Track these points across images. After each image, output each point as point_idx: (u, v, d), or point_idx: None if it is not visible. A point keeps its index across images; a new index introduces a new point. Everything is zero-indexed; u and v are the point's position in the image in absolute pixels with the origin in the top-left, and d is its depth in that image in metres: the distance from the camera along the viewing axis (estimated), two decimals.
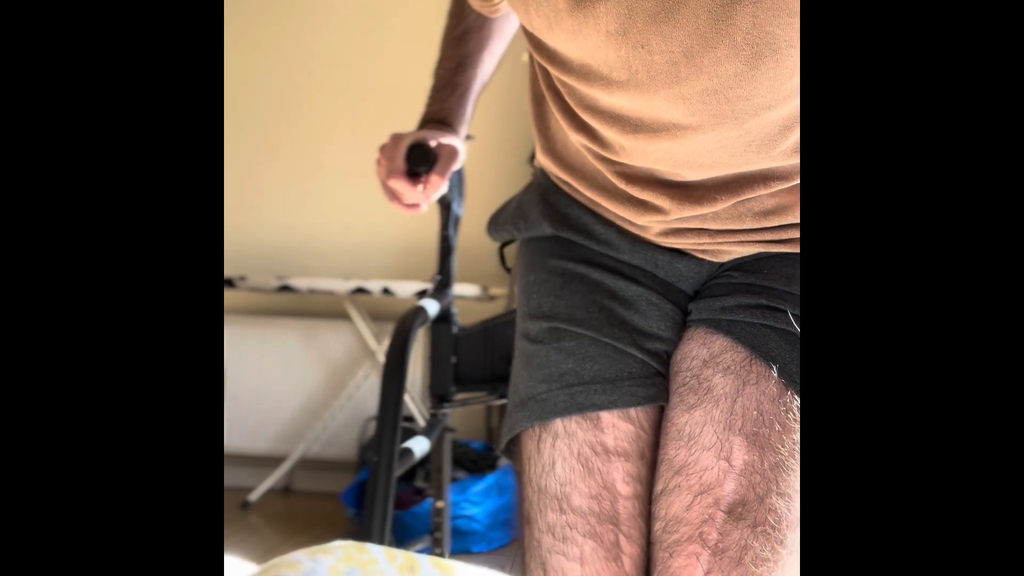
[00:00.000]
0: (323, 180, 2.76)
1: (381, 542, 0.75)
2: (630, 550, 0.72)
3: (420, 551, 1.62)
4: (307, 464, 2.74)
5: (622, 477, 0.73)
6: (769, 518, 0.69)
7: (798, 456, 0.70)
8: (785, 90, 0.63)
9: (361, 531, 0.77)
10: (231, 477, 2.61)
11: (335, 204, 2.76)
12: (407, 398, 2.51)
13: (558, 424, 0.76)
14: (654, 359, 0.78)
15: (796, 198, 0.75)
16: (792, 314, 0.74)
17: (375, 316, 2.66)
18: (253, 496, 2.56)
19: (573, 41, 0.67)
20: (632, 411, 0.75)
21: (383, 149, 0.92)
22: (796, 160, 0.71)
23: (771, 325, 0.74)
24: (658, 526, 0.72)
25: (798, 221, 0.76)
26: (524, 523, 0.78)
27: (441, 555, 1.26)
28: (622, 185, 0.77)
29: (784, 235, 0.77)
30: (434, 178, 0.91)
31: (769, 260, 0.78)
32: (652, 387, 0.76)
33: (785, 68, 0.62)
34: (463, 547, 2.17)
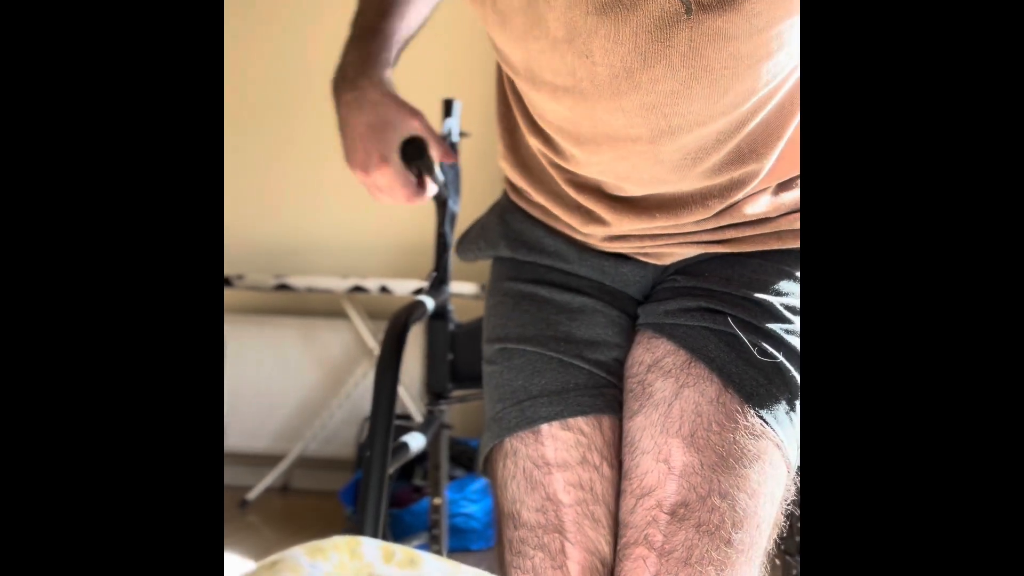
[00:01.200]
0: (320, 178, 2.76)
1: (375, 536, 0.75)
2: (577, 556, 0.73)
3: (417, 549, 1.61)
4: (305, 463, 2.74)
5: (563, 487, 0.74)
6: (712, 518, 0.69)
7: (741, 455, 0.71)
8: (719, 108, 0.66)
9: (356, 527, 0.78)
10: (229, 476, 2.61)
11: (332, 202, 2.76)
12: (405, 396, 2.52)
13: (507, 443, 0.78)
14: (602, 368, 0.79)
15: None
16: (731, 316, 0.76)
17: (373, 315, 2.66)
18: (251, 495, 2.56)
19: (523, 42, 0.69)
20: (571, 420, 0.76)
21: (368, 166, 0.85)
22: (733, 176, 0.73)
23: (710, 327, 0.76)
24: (617, 530, 0.74)
25: (736, 222, 0.78)
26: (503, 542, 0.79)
27: (439, 552, 1.26)
28: (572, 192, 0.79)
29: (724, 235, 0.79)
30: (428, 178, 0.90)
31: (709, 262, 0.80)
32: (599, 397, 0.78)
33: (718, 88, 0.64)
34: (462, 545, 2.17)
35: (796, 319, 0.77)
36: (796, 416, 0.75)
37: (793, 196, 0.77)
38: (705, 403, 0.73)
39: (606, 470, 0.76)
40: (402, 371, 0.98)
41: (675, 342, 0.76)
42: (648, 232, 0.79)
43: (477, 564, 0.71)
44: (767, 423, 0.73)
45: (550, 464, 0.75)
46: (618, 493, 0.75)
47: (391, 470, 0.82)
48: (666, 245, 0.80)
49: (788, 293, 0.78)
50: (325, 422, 2.67)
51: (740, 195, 0.75)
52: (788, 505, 0.75)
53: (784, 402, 0.75)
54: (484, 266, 0.93)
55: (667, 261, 0.82)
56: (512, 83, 0.79)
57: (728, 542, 0.69)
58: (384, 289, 2.47)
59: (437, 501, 1.25)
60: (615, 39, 0.64)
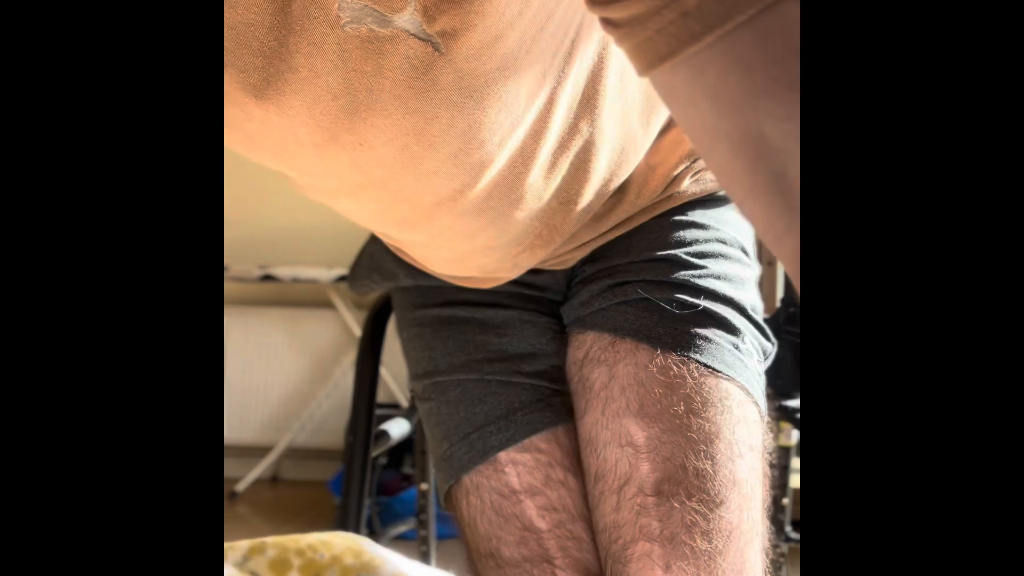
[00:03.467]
0: None
1: (358, 520, 0.75)
2: None
3: (405, 534, 1.61)
4: (294, 453, 2.74)
5: (537, 513, 0.71)
6: (696, 483, 0.65)
7: (698, 408, 0.68)
8: (507, 121, 0.60)
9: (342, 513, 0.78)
10: None
11: None
12: (391, 382, 2.52)
13: (465, 480, 0.73)
14: (544, 379, 0.75)
15: (605, 206, 0.72)
16: (637, 283, 0.72)
17: (359, 304, 2.66)
18: (240, 486, 2.56)
19: (285, 159, 0.63)
20: (525, 441, 0.72)
21: None
22: (564, 198, 0.69)
23: (622, 301, 0.72)
24: (602, 539, 0.69)
25: (622, 217, 0.74)
26: None
27: (426, 538, 1.26)
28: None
29: (615, 233, 0.75)
30: None
31: (609, 245, 0.76)
32: (547, 409, 0.74)
33: (511, 97, 0.59)
34: (451, 532, 2.17)
35: (708, 261, 0.74)
36: (747, 354, 0.72)
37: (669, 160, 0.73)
38: (641, 372, 0.69)
39: (572, 482, 0.72)
40: (387, 358, 0.98)
41: (596, 329, 0.73)
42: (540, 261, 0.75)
43: (465, 551, 0.71)
44: (709, 366, 0.69)
45: (517, 492, 0.71)
46: (587, 498, 0.72)
47: (375, 454, 0.82)
48: (564, 254, 0.76)
49: (692, 241, 0.75)
50: (313, 412, 2.67)
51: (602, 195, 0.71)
52: (770, 455, 0.72)
53: (725, 343, 0.71)
54: None
55: (571, 264, 0.78)
56: None
57: (721, 503, 0.66)
58: None
59: (424, 487, 1.25)
60: (380, 112, 0.56)
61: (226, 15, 0.52)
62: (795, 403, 1.20)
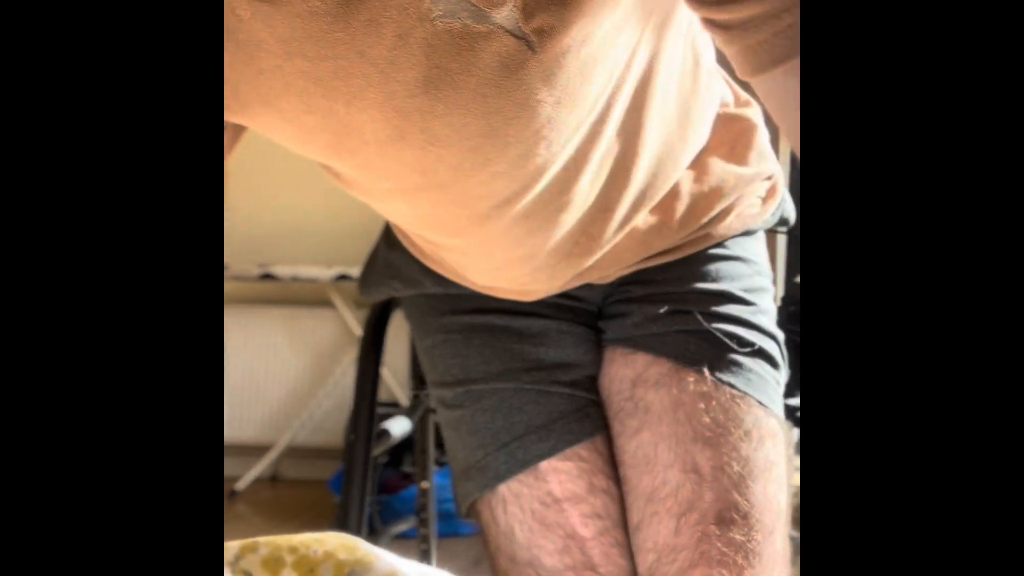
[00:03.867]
0: (304, 166, 2.75)
1: (360, 519, 0.75)
2: None
3: (406, 532, 1.61)
4: (294, 452, 2.74)
5: (580, 521, 0.71)
6: (752, 512, 0.68)
7: (754, 444, 0.71)
8: (572, 123, 0.60)
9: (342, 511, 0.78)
10: None
11: (316, 191, 2.75)
12: (391, 381, 2.52)
13: (503, 489, 0.73)
14: (580, 389, 0.75)
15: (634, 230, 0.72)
16: (698, 312, 0.74)
17: (359, 303, 2.65)
18: (240, 485, 2.56)
19: (338, 158, 0.62)
20: (568, 450, 0.72)
21: None
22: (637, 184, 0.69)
23: (682, 329, 0.74)
24: (650, 558, 0.70)
25: (670, 244, 0.74)
26: None
27: (427, 536, 1.26)
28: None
29: (664, 258, 0.75)
30: None
31: (656, 269, 0.76)
32: (586, 419, 0.74)
33: (584, 95, 0.58)
34: (451, 530, 2.17)
35: (755, 296, 0.76)
36: (780, 394, 0.75)
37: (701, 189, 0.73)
38: (703, 402, 0.71)
39: (613, 490, 0.73)
40: (388, 357, 0.98)
41: (653, 353, 0.74)
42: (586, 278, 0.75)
43: (467, 549, 0.71)
44: (762, 404, 0.72)
45: (560, 500, 0.71)
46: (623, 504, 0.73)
47: (376, 452, 0.82)
48: (607, 272, 0.75)
49: (740, 276, 0.76)
50: (313, 411, 2.67)
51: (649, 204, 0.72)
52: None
53: (771, 379, 0.74)
54: None
55: (613, 279, 0.77)
56: None
57: (772, 532, 0.69)
58: None
59: (425, 485, 1.25)
60: (459, 110, 0.55)
61: (288, 3, 0.50)
62: (795, 402, 1.20)
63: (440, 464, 2.33)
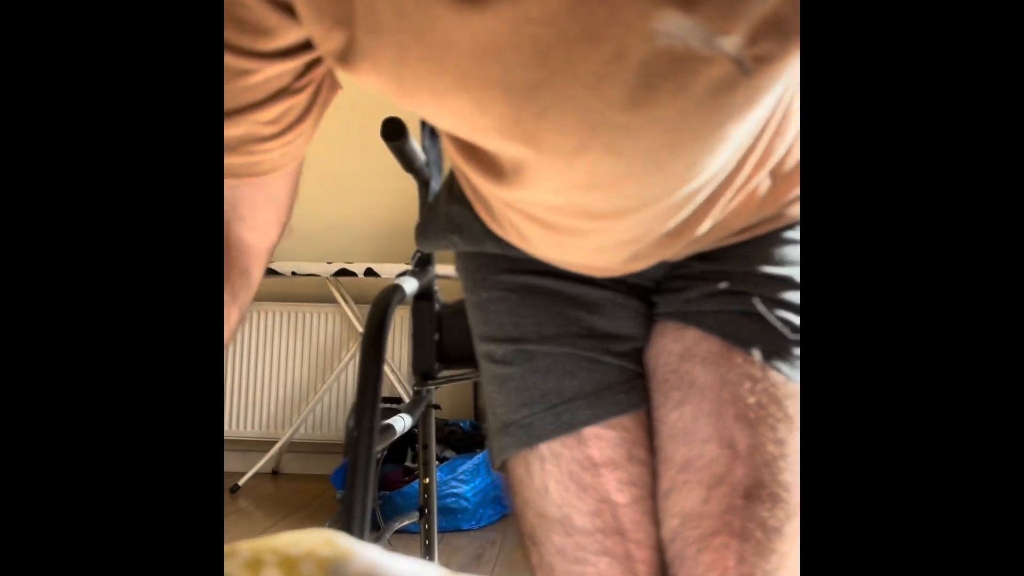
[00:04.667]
0: (304, 163, 2.75)
1: (363, 516, 0.75)
2: (641, 555, 0.72)
3: (408, 527, 1.62)
4: (295, 447, 2.74)
5: (615, 487, 0.72)
6: (782, 494, 0.69)
7: (791, 425, 0.71)
8: (738, 141, 0.61)
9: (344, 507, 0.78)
10: None
11: (316, 187, 2.75)
12: (392, 377, 2.52)
13: (543, 447, 0.74)
14: (630, 361, 0.77)
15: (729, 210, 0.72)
16: (757, 296, 0.74)
17: (359, 299, 2.66)
18: (242, 480, 2.56)
19: (516, 149, 0.58)
20: (612, 419, 0.74)
21: None
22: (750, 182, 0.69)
23: (739, 310, 0.74)
24: (673, 523, 0.72)
25: (747, 223, 0.74)
26: (528, 543, 0.76)
27: (429, 531, 1.27)
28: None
29: (738, 238, 0.75)
30: None
31: (725, 247, 0.76)
32: (633, 391, 0.75)
33: (747, 125, 0.59)
34: (453, 525, 2.18)
35: None
36: None
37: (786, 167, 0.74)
38: (749, 382, 0.72)
39: (649, 461, 0.74)
40: (389, 353, 0.98)
41: (704, 329, 0.74)
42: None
43: (468, 544, 0.72)
44: None
45: (598, 465, 0.73)
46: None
47: (379, 448, 0.82)
48: (682, 251, 0.76)
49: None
50: (314, 407, 2.67)
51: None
52: None
53: None
54: None
55: (682, 257, 0.78)
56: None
57: (794, 512, 0.70)
58: (370, 272, 2.47)
59: (426, 480, 1.25)
60: (656, 128, 0.54)
61: (497, 8, 0.48)
62: None
63: (441, 459, 2.34)
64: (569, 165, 0.58)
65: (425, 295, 1.13)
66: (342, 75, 0.55)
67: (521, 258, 0.79)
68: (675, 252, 0.74)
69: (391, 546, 1.44)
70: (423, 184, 1.17)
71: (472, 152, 0.64)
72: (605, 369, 0.76)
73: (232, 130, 0.57)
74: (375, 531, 1.10)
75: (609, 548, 0.72)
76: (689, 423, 0.73)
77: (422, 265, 1.16)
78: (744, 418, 0.71)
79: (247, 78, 0.54)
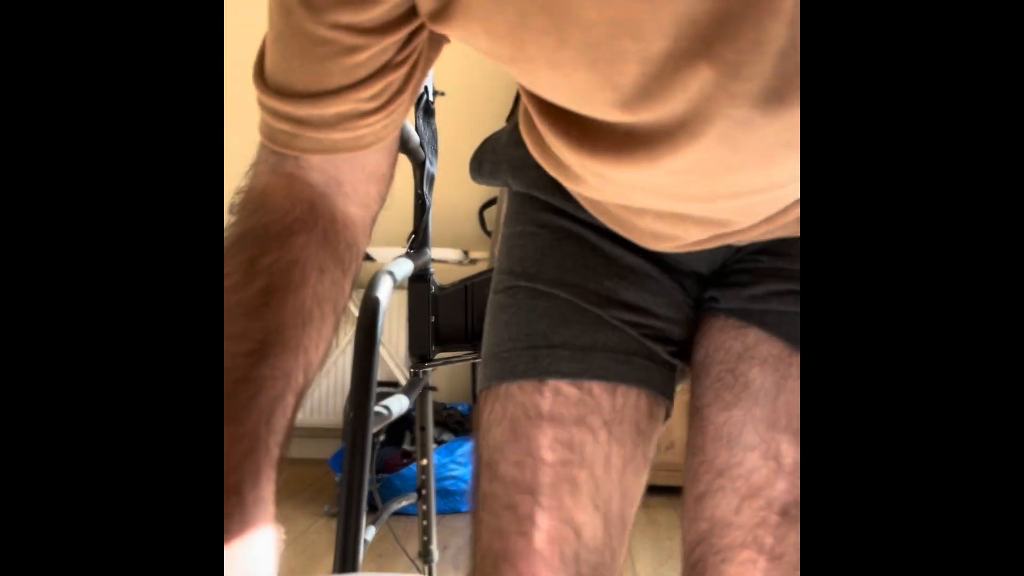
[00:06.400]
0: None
1: (360, 498, 0.76)
2: (547, 524, 0.65)
3: (406, 509, 1.62)
4: (294, 432, 2.74)
5: (548, 443, 0.66)
6: None
7: None
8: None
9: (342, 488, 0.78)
10: None
11: None
12: (389, 360, 2.52)
13: (503, 386, 0.69)
14: (639, 331, 0.71)
15: None
16: None
17: (355, 283, 2.65)
18: None
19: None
20: (585, 382, 0.68)
21: None
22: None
23: None
24: (702, 527, 0.68)
25: None
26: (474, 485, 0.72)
27: (427, 513, 1.27)
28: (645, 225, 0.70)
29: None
30: None
31: (794, 242, 0.71)
32: (626, 364, 0.69)
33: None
34: (451, 507, 2.19)
35: None
36: None
37: None
38: None
39: (603, 439, 0.68)
40: (386, 338, 0.98)
41: (767, 330, 0.69)
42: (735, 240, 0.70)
43: (465, 526, 0.72)
44: None
45: (542, 416, 0.67)
46: (619, 475, 0.68)
47: (374, 430, 0.82)
48: (751, 237, 0.71)
49: None
50: (312, 391, 2.67)
51: None
52: None
53: None
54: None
55: (746, 243, 0.72)
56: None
57: None
58: (367, 256, 2.46)
59: (424, 462, 1.25)
60: (778, 124, 0.51)
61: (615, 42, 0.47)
62: None
63: (439, 442, 2.34)
64: (669, 153, 0.54)
65: (421, 277, 1.13)
66: (437, 29, 0.53)
67: (567, 208, 0.74)
68: (754, 237, 0.69)
69: (389, 528, 1.45)
70: (417, 165, 1.17)
71: (567, 123, 0.60)
72: (605, 330, 0.70)
73: (337, 107, 0.57)
74: (372, 513, 1.11)
75: (515, 504, 0.66)
76: (734, 429, 0.68)
77: (417, 247, 1.16)
78: (794, 431, 0.66)
79: (355, 55, 0.53)
